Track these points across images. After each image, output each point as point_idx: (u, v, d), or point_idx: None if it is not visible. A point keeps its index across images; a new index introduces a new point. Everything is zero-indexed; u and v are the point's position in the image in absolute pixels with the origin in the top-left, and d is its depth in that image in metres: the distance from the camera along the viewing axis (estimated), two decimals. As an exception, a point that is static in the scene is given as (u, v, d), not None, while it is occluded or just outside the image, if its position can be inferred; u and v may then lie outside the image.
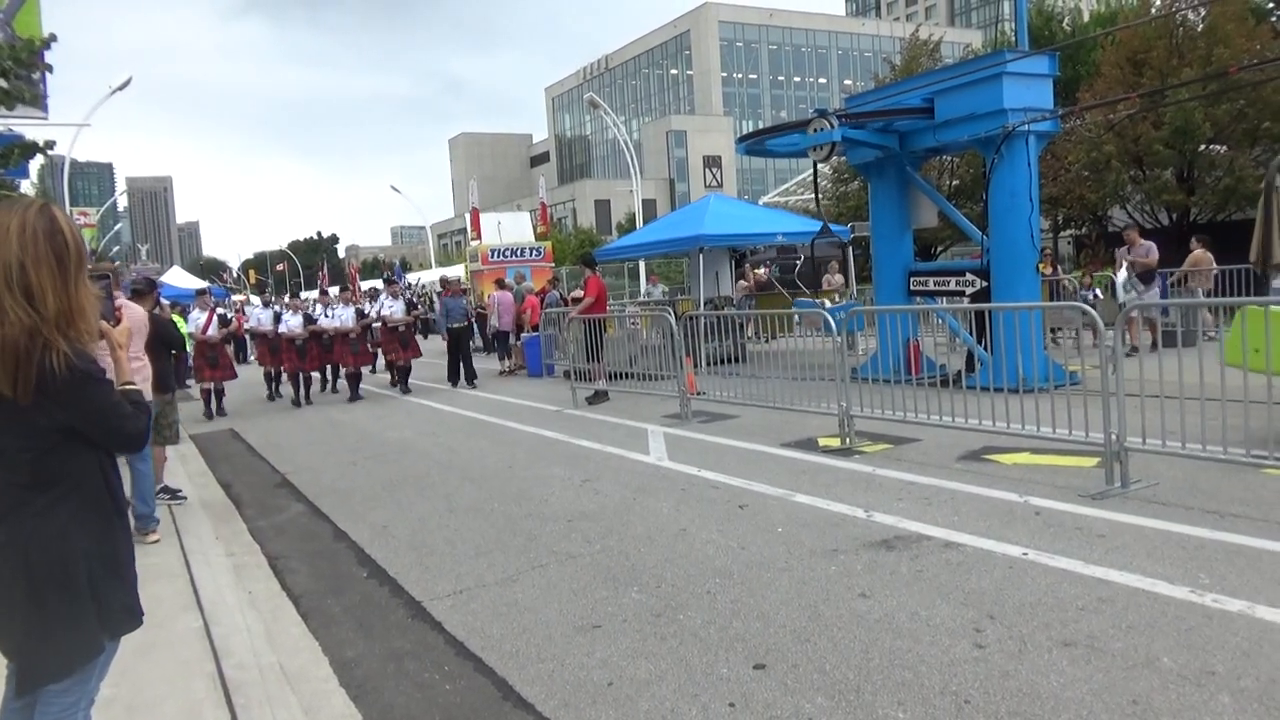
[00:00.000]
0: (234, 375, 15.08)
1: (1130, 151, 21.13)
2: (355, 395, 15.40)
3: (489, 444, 10.05)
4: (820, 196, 32.67)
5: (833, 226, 15.44)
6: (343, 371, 16.14)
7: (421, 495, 7.71)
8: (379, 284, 22.86)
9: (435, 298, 31.15)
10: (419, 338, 17.84)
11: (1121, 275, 13.41)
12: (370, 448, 10.43)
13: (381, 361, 17.46)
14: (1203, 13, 21.18)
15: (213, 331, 14.38)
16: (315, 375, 16.40)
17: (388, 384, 16.81)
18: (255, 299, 27.26)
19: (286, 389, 16.20)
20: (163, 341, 7.58)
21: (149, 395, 6.61)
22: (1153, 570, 4.61)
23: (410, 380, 16.33)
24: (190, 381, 15.51)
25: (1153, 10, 23.22)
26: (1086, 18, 37.79)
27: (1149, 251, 13.49)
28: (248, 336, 23.23)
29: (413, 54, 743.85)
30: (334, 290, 25.16)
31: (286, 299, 17.09)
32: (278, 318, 16.00)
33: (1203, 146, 20.74)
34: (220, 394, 14.68)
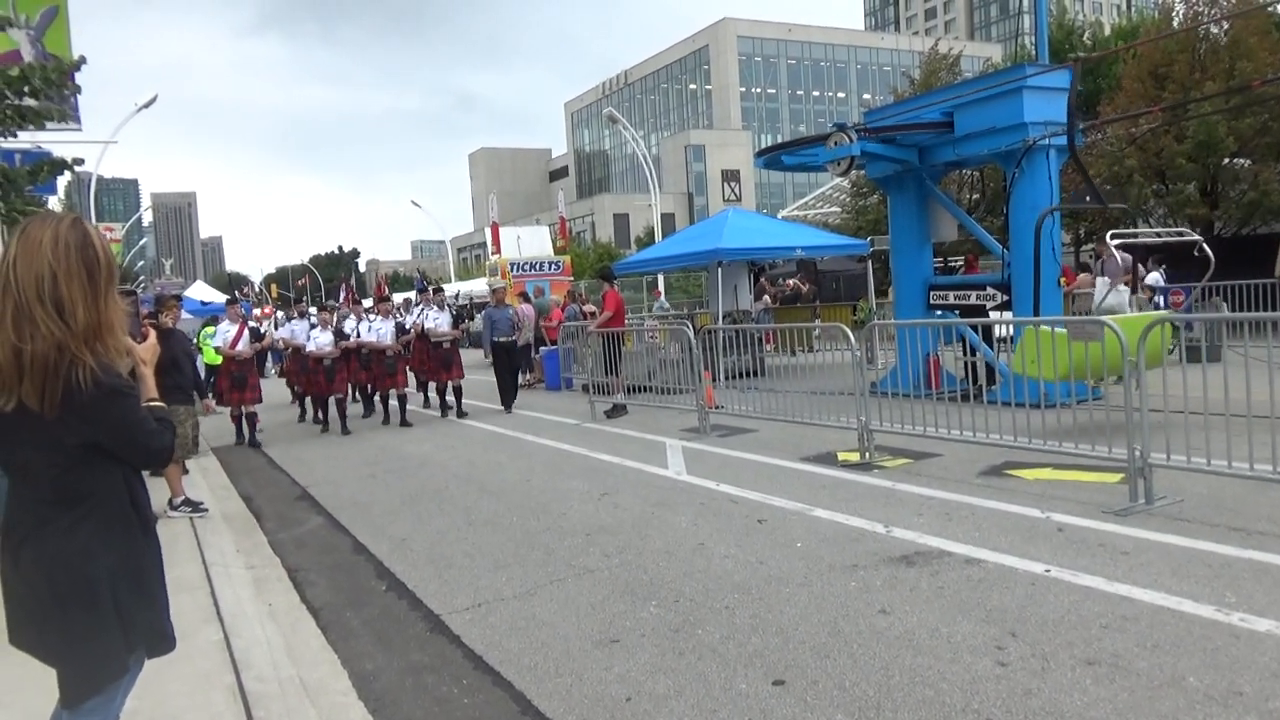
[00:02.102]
0: (259, 399, 13.00)
1: (1153, 165, 20.97)
2: (404, 420, 13.40)
3: (507, 457, 10.07)
4: (840, 208, 32.68)
5: (851, 240, 15.44)
6: (392, 394, 13.84)
7: (440, 509, 7.73)
8: (410, 295, 19.56)
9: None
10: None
11: (1122, 293, 12.43)
12: (390, 461, 10.47)
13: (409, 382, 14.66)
14: (1226, 26, 21.04)
15: (243, 346, 12.51)
16: (341, 396, 13.87)
17: (420, 405, 15.19)
18: (280, 315, 25.94)
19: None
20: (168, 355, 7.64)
21: None
22: (1178, 588, 4.56)
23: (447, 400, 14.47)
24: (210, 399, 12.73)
25: (1175, 24, 23.09)
26: (1108, 31, 37.64)
27: (1122, 264, 12.68)
28: (269, 352, 22.76)
29: (425, 70, 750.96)
30: (364, 302, 24.17)
31: (314, 311, 14.60)
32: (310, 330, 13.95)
33: (1226, 160, 20.56)
34: (253, 420, 12.73)
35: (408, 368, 14.38)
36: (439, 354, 13.94)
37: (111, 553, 2.35)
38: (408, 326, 14.26)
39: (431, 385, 15.01)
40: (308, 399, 14.63)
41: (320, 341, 13.45)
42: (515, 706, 3.85)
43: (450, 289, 35.29)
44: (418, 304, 15.68)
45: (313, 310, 14.67)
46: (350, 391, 14.50)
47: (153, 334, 2.96)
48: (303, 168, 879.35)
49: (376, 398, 14.44)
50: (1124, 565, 4.96)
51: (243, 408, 12.54)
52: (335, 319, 15.15)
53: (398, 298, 19.69)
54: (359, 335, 13.74)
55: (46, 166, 8.97)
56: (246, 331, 12.83)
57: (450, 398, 14.26)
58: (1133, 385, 6.13)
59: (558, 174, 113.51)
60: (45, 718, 3.42)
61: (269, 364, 25.15)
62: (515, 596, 5.25)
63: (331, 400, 13.64)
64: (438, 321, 14.01)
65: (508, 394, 14.18)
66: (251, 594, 5.54)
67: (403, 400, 13.59)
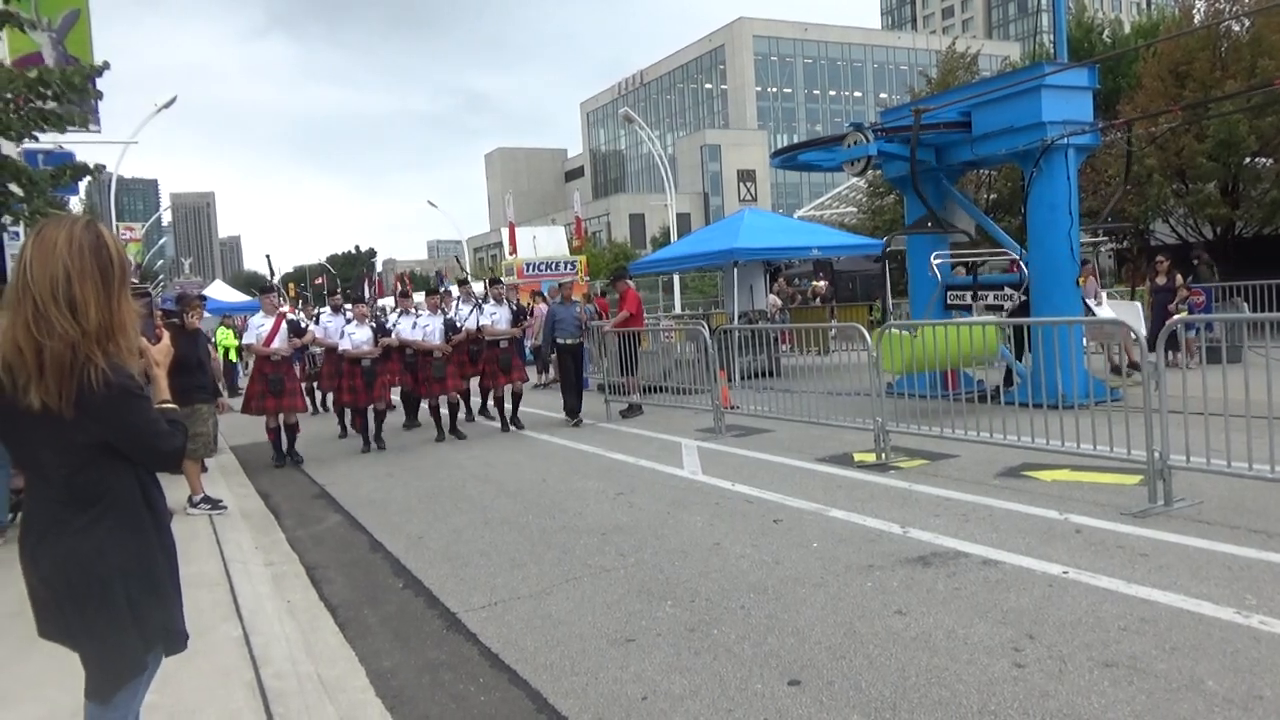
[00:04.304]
0: (304, 406, 11.41)
1: (1172, 164, 20.81)
2: (454, 430, 11.86)
3: (523, 457, 10.10)
4: (857, 208, 32.57)
5: (867, 240, 15.39)
6: (435, 400, 12.01)
7: (456, 507, 7.76)
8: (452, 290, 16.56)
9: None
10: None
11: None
12: (406, 460, 10.51)
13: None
14: (1247, 23, 20.84)
15: (279, 343, 10.51)
16: (383, 406, 11.78)
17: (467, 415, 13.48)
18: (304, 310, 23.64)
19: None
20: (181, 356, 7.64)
21: None
22: (1197, 590, 4.52)
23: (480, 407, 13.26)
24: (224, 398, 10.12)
25: (1195, 21, 22.89)
26: (1127, 29, 37.34)
27: (1095, 291, 13.26)
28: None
29: (432, 70, 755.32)
30: (385, 301, 22.81)
31: (350, 307, 12.56)
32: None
33: (1247, 159, 20.37)
34: (293, 431, 10.79)
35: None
36: (494, 354, 12.13)
37: (124, 553, 2.37)
38: (459, 324, 12.32)
39: (487, 393, 13.02)
40: (352, 415, 12.56)
41: (357, 339, 11.41)
42: (531, 704, 3.87)
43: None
44: (464, 298, 13.52)
45: (349, 306, 12.90)
46: (406, 401, 12.96)
47: (166, 335, 2.97)
48: (317, 168, 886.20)
49: (423, 406, 12.59)
50: (1142, 567, 4.93)
51: (280, 416, 10.59)
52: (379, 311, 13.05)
53: (417, 297, 18.55)
54: (401, 332, 12.01)
55: (69, 170, 9.06)
56: (284, 326, 10.74)
57: (508, 405, 12.38)
58: (1152, 386, 6.09)
59: (573, 174, 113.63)
60: (67, 712, 3.48)
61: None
62: (531, 595, 5.27)
63: (370, 410, 11.62)
64: (495, 318, 12.24)
65: (576, 402, 12.43)
66: (270, 591, 5.58)
67: (454, 409, 12.06)
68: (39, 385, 2.24)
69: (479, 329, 12.21)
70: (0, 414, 2.36)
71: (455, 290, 14.60)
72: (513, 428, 12.24)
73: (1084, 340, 9.87)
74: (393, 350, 11.93)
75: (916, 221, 12.09)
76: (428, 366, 11.80)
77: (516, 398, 12.34)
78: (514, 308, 13.10)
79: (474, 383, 12.92)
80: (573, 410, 12.37)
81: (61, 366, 2.23)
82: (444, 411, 12.06)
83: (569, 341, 12.48)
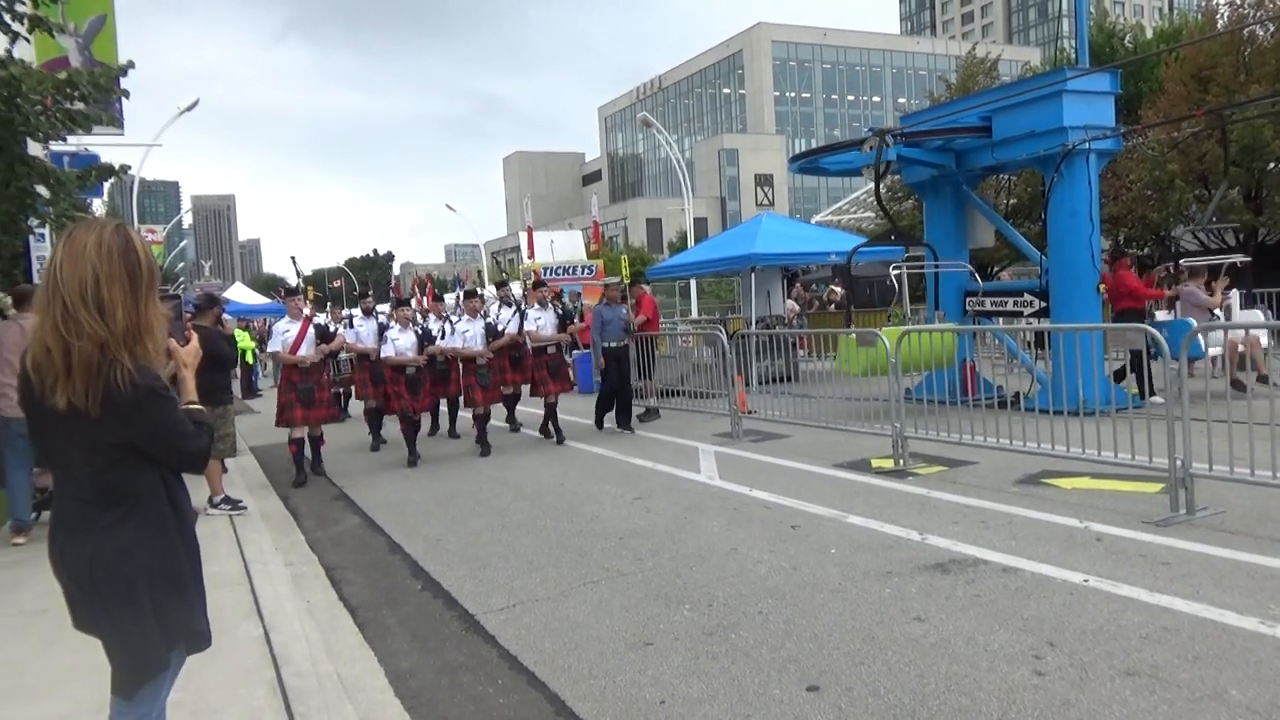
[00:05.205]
0: (337, 415, 10.72)
1: (1195, 170, 20.66)
2: (484, 445, 10.89)
3: (541, 460, 10.12)
4: (875, 213, 32.44)
5: (885, 245, 15.37)
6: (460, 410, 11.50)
7: (474, 510, 7.79)
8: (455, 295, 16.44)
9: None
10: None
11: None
12: (424, 463, 10.54)
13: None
14: (1271, 28, 20.67)
15: (307, 350, 9.76)
16: (418, 416, 11.11)
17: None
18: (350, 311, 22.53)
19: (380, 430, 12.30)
20: (212, 358, 7.72)
21: None
22: (1220, 600, 4.48)
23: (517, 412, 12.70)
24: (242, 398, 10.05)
25: (1219, 25, 22.72)
26: (1149, 34, 37.08)
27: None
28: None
29: (449, 74, 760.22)
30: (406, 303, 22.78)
31: (391, 310, 12.02)
32: (383, 331, 11.31)
33: (1271, 165, 20.19)
34: (318, 444, 10.25)
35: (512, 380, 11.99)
36: (543, 360, 11.58)
37: (149, 553, 2.40)
38: (499, 327, 11.57)
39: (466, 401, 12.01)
40: (378, 423, 12.27)
41: (401, 345, 10.62)
42: (550, 707, 3.88)
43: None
44: (502, 300, 12.95)
45: (383, 308, 12.27)
46: (434, 411, 12.44)
47: (195, 337, 3.00)
48: (334, 171, 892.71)
49: (454, 415, 12.36)
50: (1164, 576, 4.89)
51: (307, 429, 9.89)
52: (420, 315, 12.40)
53: (449, 299, 18.19)
54: (445, 338, 11.45)
55: (95, 172, 9.15)
56: (311, 330, 9.96)
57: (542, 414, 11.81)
58: (1175, 394, 6.04)
59: (591, 178, 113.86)
60: (91, 706, 3.52)
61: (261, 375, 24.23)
62: (549, 598, 5.28)
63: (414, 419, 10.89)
64: (539, 323, 11.57)
65: (610, 409, 11.91)
66: (290, 591, 5.63)
67: (482, 420, 11.14)
68: (66, 385, 2.28)
69: (523, 333, 11.50)
70: (29, 413, 2.41)
71: (491, 291, 14.37)
72: (537, 434, 11.87)
73: (1207, 347, 9.13)
74: (434, 359, 11.31)
75: (880, 235, 12.36)
76: (472, 373, 11.16)
77: (551, 408, 11.63)
78: (559, 311, 12.39)
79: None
80: (622, 416, 11.80)
81: (89, 367, 2.27)
82: (464, 413, 11.57)
83: (614, 345, 11.81)
